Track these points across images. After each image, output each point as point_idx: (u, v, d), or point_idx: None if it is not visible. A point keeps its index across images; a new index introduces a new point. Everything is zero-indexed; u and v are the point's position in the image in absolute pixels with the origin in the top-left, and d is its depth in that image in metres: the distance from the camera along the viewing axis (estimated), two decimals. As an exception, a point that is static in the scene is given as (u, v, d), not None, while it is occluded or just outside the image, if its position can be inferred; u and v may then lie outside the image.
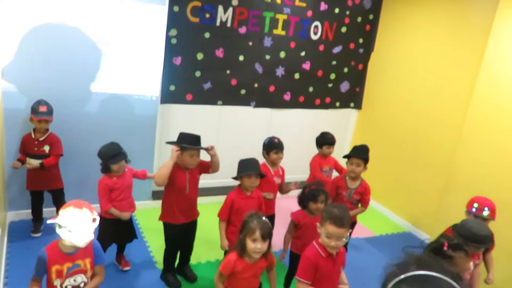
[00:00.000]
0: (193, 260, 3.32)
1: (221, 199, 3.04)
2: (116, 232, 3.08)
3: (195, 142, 2.85)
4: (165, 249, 3.12)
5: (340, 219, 2.13)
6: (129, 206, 3.11)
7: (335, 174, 3.90)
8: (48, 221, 2.01)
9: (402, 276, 0.94)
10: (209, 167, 3.00)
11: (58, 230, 1.97)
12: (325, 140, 3.79)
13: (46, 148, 3.37)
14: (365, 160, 3.30)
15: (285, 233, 3.04)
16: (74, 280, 2.09)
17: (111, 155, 2.91)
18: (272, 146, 3.31)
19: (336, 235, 2.13)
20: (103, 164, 2.96)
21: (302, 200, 2.95)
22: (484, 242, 2.45)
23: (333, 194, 3.39)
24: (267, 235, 2.23)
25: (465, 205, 3.01)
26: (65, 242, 1.99)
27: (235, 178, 2.93)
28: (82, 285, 2.13)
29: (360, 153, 3.29)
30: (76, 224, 1.94)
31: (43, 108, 3.24)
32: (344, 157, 3.37)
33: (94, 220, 2.01)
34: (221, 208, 2.91)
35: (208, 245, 3.53)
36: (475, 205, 2.93)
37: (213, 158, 2.94)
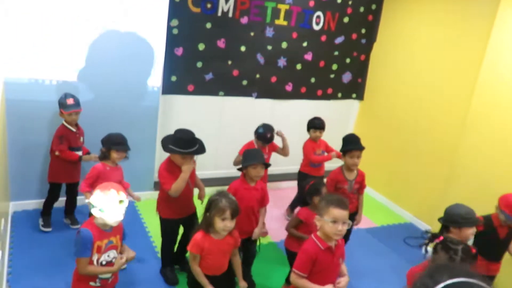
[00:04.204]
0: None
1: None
2: None
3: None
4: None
5: (343, 201, 2.20)
6: None
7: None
8: (86, 200, 2.21)
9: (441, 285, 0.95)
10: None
11: (92, 209, 2.12)
12: (312, 124, 3.99)
13: (81, 140, 3.45)
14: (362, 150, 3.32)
15: (287, 227, 3.02)
16: (108, 256, 2.21)
17: (117, 142, 2.96)
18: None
19: (342, 218, 2.16)
20: (104, 150, 2.99)
21: (306, 197, 2.99)
22: (462, 222, 2.41)
23: (332, 190, 3.35)
24: (236, 214, 2.30)
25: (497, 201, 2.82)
26: (98, 220, 2.13)
27: (240, 170, 2.95)
28: (113, 260, 2.24)
29: (358, 145, 3.30)
30: (105, 204, 2.09)
31: (70, 101, 3.26)
32: (341, 151, 3.36)
33: (120, 201, 2.12)
34: None
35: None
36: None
37: None
